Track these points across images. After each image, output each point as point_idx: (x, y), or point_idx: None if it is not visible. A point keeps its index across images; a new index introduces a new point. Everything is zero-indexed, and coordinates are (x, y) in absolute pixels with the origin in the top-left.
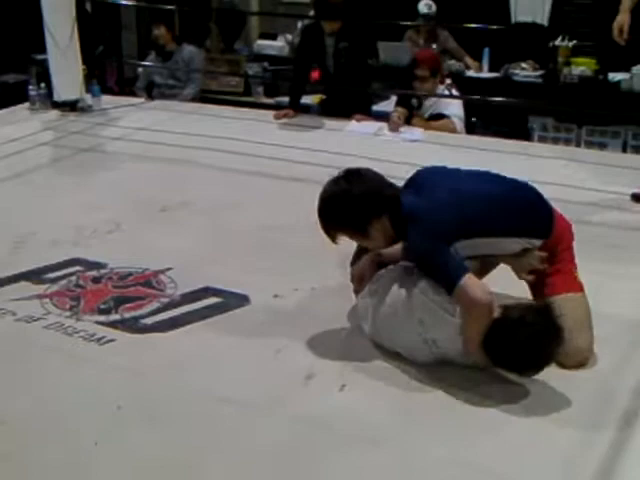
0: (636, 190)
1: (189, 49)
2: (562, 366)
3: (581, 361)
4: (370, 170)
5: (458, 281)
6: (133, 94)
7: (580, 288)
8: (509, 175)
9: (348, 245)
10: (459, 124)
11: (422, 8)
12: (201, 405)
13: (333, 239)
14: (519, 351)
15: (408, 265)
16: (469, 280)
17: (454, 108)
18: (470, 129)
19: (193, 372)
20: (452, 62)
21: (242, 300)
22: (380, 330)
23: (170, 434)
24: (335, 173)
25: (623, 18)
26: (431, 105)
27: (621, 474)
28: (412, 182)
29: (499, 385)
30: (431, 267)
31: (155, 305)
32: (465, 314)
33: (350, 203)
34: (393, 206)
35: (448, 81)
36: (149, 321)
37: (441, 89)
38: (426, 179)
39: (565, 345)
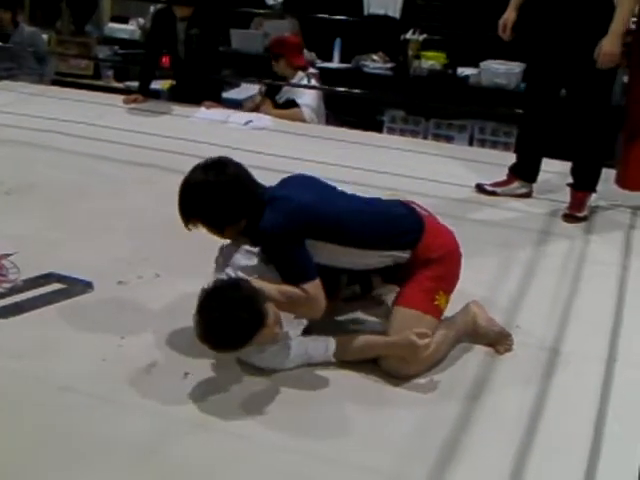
0: (480, 181)
1: (29, 30)
2: None
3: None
4: (237, 165)
5: (310, 279)
6: None
7: (426, 309)
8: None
9: (193, 234)
10: (309, 114)
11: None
12: (42, 394)
13: (187, 226)
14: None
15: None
16: (318, 283)
17: (307, 97)
18: None
19: (34, 360)
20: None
21: (86, 286)
22: None
23: (9, 424)
24: (184, 160)
25: (509, 15)
26: (288, 90)
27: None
28: (284, 183)
29: (343, 372)
30: (282, 257)
31: None
32: (293, 302)
33: (216, 199)
34: (255, 211)
35: (311, 70)
36: None
37: (301, 76)
38: (297, 182)
39: None
